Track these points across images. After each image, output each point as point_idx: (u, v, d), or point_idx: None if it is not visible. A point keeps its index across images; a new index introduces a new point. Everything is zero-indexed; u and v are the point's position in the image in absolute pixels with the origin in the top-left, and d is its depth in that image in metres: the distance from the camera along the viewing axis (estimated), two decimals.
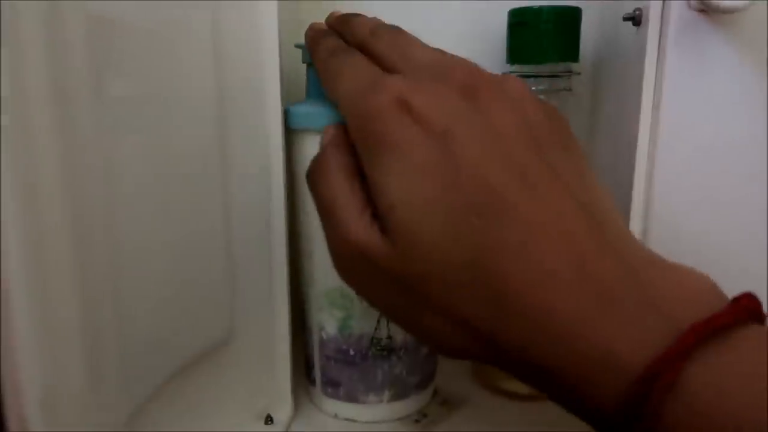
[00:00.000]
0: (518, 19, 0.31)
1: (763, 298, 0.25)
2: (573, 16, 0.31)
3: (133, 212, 0.20)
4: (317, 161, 0.20)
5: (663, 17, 0.24)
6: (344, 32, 0.24)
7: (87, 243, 0.17)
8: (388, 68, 0.20)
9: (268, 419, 0.29)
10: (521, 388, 0.32)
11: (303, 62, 0.29)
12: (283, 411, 0.29)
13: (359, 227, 0.18)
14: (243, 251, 0.26)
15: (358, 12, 0.24)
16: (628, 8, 0.27)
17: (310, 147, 0.27)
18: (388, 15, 0.36)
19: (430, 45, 0.21)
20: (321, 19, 0.36)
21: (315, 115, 0.27)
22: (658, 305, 0.15)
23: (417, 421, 0.30)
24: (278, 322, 0.28)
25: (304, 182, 0.28)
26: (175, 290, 0.22)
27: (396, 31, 0.22)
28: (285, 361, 0.29)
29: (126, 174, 0.19)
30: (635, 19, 0.26)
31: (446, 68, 0.19)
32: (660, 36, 0.24)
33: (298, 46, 0.30)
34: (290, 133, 0.28)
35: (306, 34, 0.26)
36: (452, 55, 0.20)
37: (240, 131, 0.26)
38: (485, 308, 0.16)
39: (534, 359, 0.16)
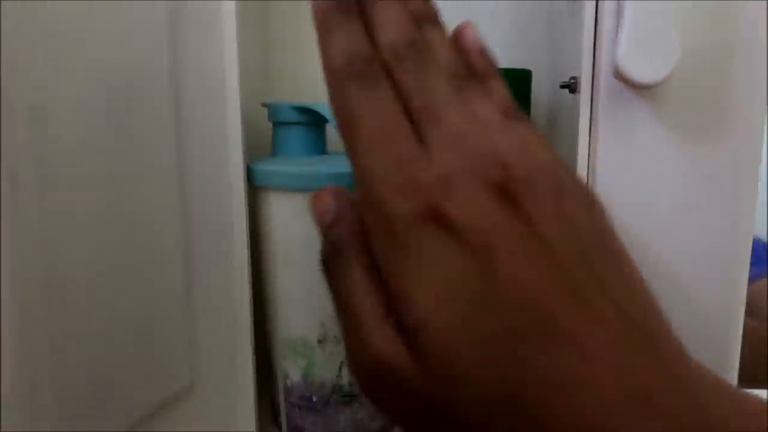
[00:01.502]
0: None
1: None
2: (524, 78, 0.33)
3: (86, 261, 0.20)
4: (334, 253, 0.18)
5: (594, 86, 0.25)
6: (363, 17, 0.19)
7: (30, 291, 0.18)
8: (412, 121, 0.17)
9: None
10: None
11: (269, 122, 0.31)
12: None
13: (382, 340, 0.16)
14: (204, 300, 0.27)
15: None
16: (568, 76, 0.28)
17: (273, 203, 0.29)
18: None
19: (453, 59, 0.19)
20: (290, 80, 0.38)
21: (278, 173, 0.28)
22: None
23: None
24: (242, 369, 0.29)
25: (269, 236, 0.29)
26: (133, 337, 0.23)
27: (425, 54, 0.18)
28: (250, 411, 0.29)
29: (73, 228, 0.20)
30: (570, 86, 0.27)
31: (482, 153, 0.16)
32: (591, 104, 0.26)
33: (264, 105, 0.31)
34: (254, 190, 0.29)
35: (312, 7, 0.20)
36: (479, 107, 0.18)
37: (202, 186, 0.26)
38: None
39: None
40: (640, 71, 0.23)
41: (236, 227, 0.28)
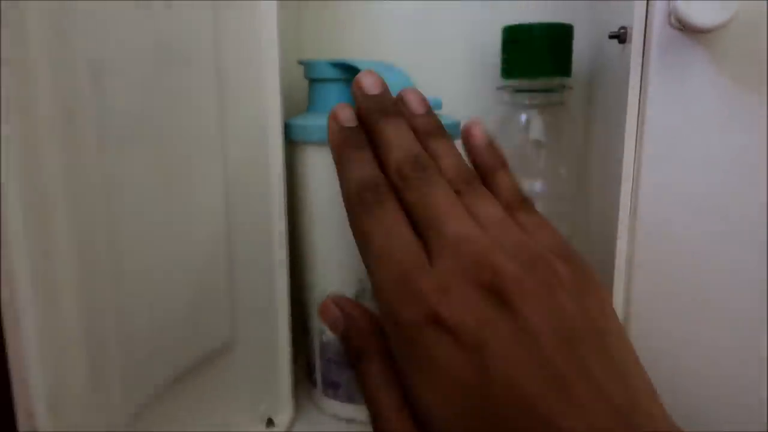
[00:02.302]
0: (511, 36, 0.31)
1: (751, 305, 0.25)
2: (564, 32, 0.31)
3: (136, 220, 0.20)
4: (356, 357, 0.21)
5: (646, 35, 0.24)
6: (370, 137, 0.22)
7: (90, 251, 0.18)
8: (416, 230, 0.19)
9: (270, 422, 0.29)
10: None
11: (305, 77, 0.30)
12: (284, 414, 0.30)
13: (398, 426, 0.18)
14: (244, 258, 0.27)
15: (373, 74, 0.23)
16: (615, 27, 0.27)
17: (309, 158, 0.28)
18: (385, 35, 0.37)
19: (459, 158, 0.21)
20: (322, 36, 0.37)
21: (315, 128, 0.27)
22: None
23: None
24: (279, 327, 0.29)
25: (305, 192, 0.29)
26: (177, 296, 0.23)
27: (422, 171, 0.20)
28: (286, 366, 0.29)
29: (128, 184, 0.20)
30: (620, 37, 0.26)
31: (474, 257, 0.18)
32: (643, 53, 0.24)
33: (301, 62, 0.30)
34: (291, 145, 0.29)
35: (330, 121, 0.23)
36: (481, 209, 0.20)
37: (241, 142, 0.26)
38: None
39: None
40: (701, 14, 0.21)
41: (274, 183, 0.28)
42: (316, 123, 0.28)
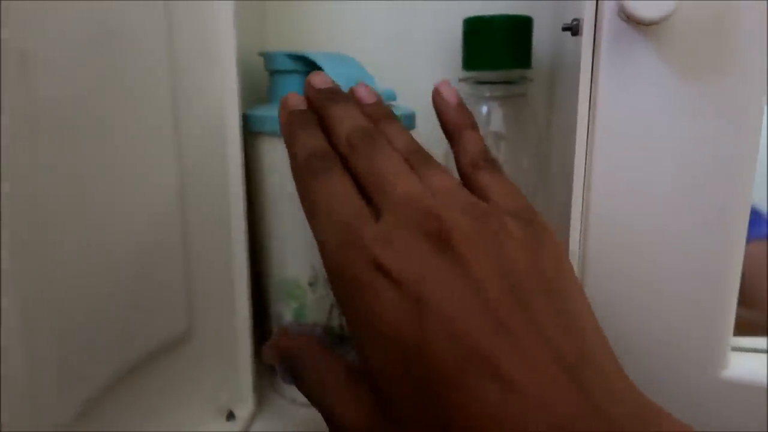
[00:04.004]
0: (472, 28, 0.31)
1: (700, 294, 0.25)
2: (524, 24, 0.31)
3: (74, 210, 0.20)
4: (293, 356, 0.20)
5: (596, 28, 0.24)
6: (321, 120, 0.22)
7: (23, 243, 0.17)
8: (364, 194, 0.19)
9: (230, 415, 0.28)
10: None
11: (266, 69, 0.30)
12: (245, 406, 0.29)
13: (345, 405, 0.18)
14: (202, 248, 0.26)
15: (335, 88, 0.22)
16: (569, 19, 0.26)
17: (266, 148, 0.28)
18: (349, 26, 0.36)
19: (410, 140, 0.21)
20: (287, 28, 0.37)
21: (271, 119, 0.27)
22: None
23: None
24: (239, 316, 0.28)
25: (262, 181, 0.28)
26: (125, 288, 0.22)
27: (375, 142, 0.20)
28: (247, 356, 0.28)
29: (65, 174, 0.19)
30: (573, 29, 0.25)
31: (421, 209, 0.17)
32: (594, 45, 0.24)
33: (261, 54, 0.30)
34: (250, 136, 0.28)
35: (280, 109, 0.23)
36: (433, 178, 0.19)
37: (197, 133, 0.26)
38: None
39: None
40: (646, 7, 0.21)
41: (231, 173, 0.27)
42: (272, 114, 0.27)
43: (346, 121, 0.21)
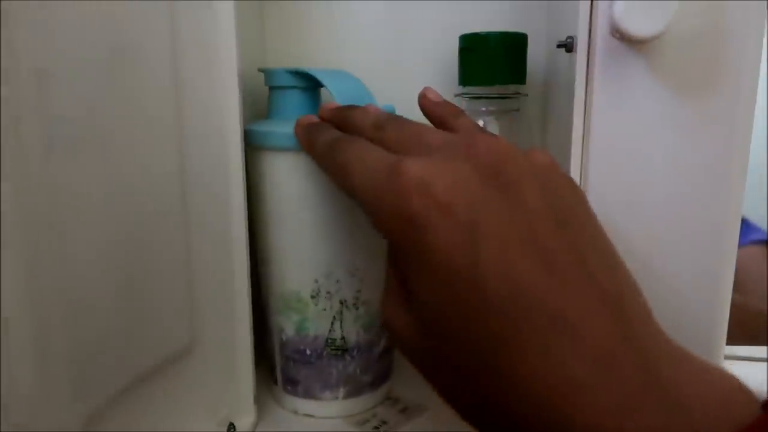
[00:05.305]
0: (468, 44, 0.31)
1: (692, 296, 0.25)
2: (519, 41, 0.31)
3: (85, 224, 0.20)
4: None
5: (590, 45, 0.24)
6: (342, 125, 0.22)
7: (38, 256, 0.17)
8: (401, 153, 0.18)
9: (231, 427, 0.28)
10: None
11: (265, 85, 0.30)
12: (246, 418, 0.29)
13: (393, 308, 0.18)
14: (204, 261, 0.26)
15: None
16: (564, 36, 0.27)
17: (268, 163, 0.28)
18: (347, 43, 0.36)
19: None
20: (286, 44, 0.37)
21: (273, 134, 0.27)
22: (685, 410, 0.14)
23: (377, 427, 0.29)
24: (240, 329, 0.28)
25: (264, 195, 0.28)
26: (132, 301, 0.22)
27: (401, 119, 0.20)
28: (248, 369, 0.28)
29: (77, 191, 0.19)
30: (567, 46, 0.26)
31: (466, 146, 0.17)
32: (588, 62, 0.24)
33: (261, 70, 0.30)
34: (251, 150, 0.28)
35: (295, 130, 0.24)
36: (470, 132, 0.19)
37: (200, 147, 0.25)
38: (498, 411, 0.15)
39: None
40: (638, 25, 0.21)
41: (233, 187, 0.27)
42: (274, 129, 0.27)
43: (368, 115, 0.21)
